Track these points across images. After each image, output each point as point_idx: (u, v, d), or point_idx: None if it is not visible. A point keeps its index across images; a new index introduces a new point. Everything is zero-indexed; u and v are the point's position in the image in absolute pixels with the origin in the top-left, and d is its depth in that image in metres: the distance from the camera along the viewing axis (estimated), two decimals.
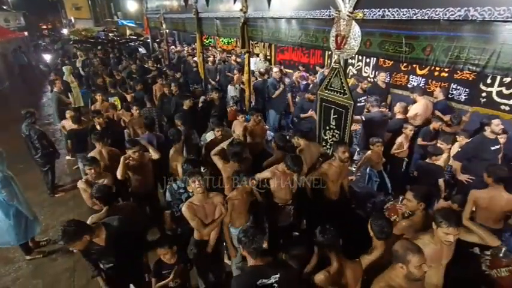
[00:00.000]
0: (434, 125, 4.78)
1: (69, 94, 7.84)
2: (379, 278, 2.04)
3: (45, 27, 30.70)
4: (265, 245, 2.16)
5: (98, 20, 27.34)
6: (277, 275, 2.11)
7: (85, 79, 10.65)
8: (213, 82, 8.66)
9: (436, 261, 2.24)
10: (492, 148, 3.91)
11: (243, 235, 2.15)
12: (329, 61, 8.10)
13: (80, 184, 3.52)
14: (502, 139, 4.05)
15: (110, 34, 19.76)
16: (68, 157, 6.46)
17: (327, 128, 4.09)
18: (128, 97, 6.75)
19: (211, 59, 9.57)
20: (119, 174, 3.67)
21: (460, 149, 4.14)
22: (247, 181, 3.02)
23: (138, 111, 5.45)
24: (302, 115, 5.68)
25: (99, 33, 19.97)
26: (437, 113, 5.11)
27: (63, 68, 8.50)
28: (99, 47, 13.85)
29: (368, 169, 4.46)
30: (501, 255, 2.51)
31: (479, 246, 2.68)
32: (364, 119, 4.87)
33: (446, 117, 5.00)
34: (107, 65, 10.76)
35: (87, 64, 10.88)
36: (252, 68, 7.77)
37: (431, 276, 2.27)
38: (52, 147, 5.24)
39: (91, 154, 4.07)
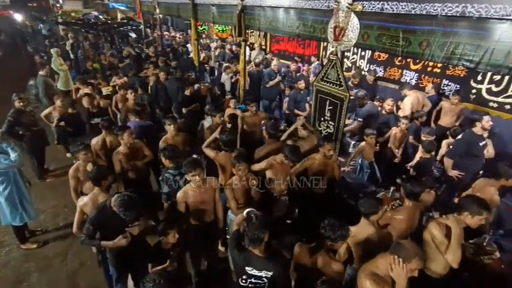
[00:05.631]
0: (422, 119, 4.90)
1: (56, 76, 7.67)
2: (365, 266, 2.12)
3: (31, 5, 29.27)
4: (265, 238, 2.13)
5: (88, 2, 26.39)
6: (271, 273, 2.13)
7: (74, 62, 10.39)
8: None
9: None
10: (480, 144, 4.06)
11: (248, 222, 2.15)
12: (324, 53, 8.11)
13: (70, 171, 3.46)
14: (485, 134, 4.22)
15: (96, 13, 19.14)
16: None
17: (322, 119, 4.13)
18: (119, 82, 6.64)
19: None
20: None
21: (451, 147, 4.28)
22: (245, 167, 3.03)
23: (134, 95, 5.34)
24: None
25: (88, 15, 19.28)
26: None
27: (51, 50, 8.26)
28: (90, 30, 13.42)
29: (360, 160, 4.56)
30: (484, 244, 2.64)
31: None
32: (362, 120, 4.96)
33: None
34: (97, 48, 10.50)
35: (77, 47, 10.58)
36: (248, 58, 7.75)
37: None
38: (21, 137, 4.85)
39: (93, 140, 4.03)
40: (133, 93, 5.30)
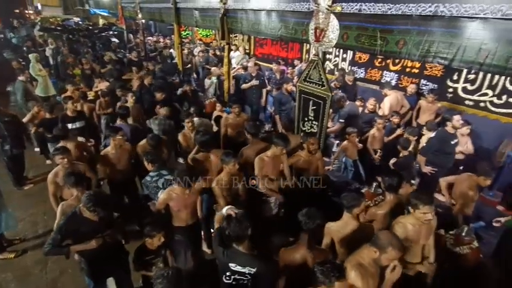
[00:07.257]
0: (394, 119, 5.03)
1: (34, 83, 7.45)
2: (351, 257, 2.17)
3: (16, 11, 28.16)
4: (248, 233, 2.12)
5: (68, 8, 25.90)
6: (254, 269, 2.11)
7: (54, 68, 10.15)
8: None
9: (415, 242, 2.47)
10: (452, 142, 4.27)
11: (228, 221, 2.13)
12: (307, 55, 8.24)
13: (49, 176, 3.36)
14: (467, 130, 4.41)
15: (76, 19, 18.86)
16: (37, 149, 6.14)
17: (306, 119, 4.19)
18: (101, 87, 6.53)
19: (185, 51, 9.45)
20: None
21: (424, 145, 4.44)
22: (235, 162, 3.04)
23: (133, 98, 5.31)
24: None
25: (68, 20, 18.89)
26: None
27: (30, 55, 8.04)
28: (70, 36, 13.14)
29: (344, 158, 4.63)
30: (463, 234, 2.73)
31: (444, 228, 2.93)
32: (343, 121, 5.08)
33: None
34: (77, 54, 10.28)
35: (57, 53, 10.34)
36: (233, 63, 7.78)
37: (410, 255, 2.51)
38: None
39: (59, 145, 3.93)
40: (133, 97, 5.29)
